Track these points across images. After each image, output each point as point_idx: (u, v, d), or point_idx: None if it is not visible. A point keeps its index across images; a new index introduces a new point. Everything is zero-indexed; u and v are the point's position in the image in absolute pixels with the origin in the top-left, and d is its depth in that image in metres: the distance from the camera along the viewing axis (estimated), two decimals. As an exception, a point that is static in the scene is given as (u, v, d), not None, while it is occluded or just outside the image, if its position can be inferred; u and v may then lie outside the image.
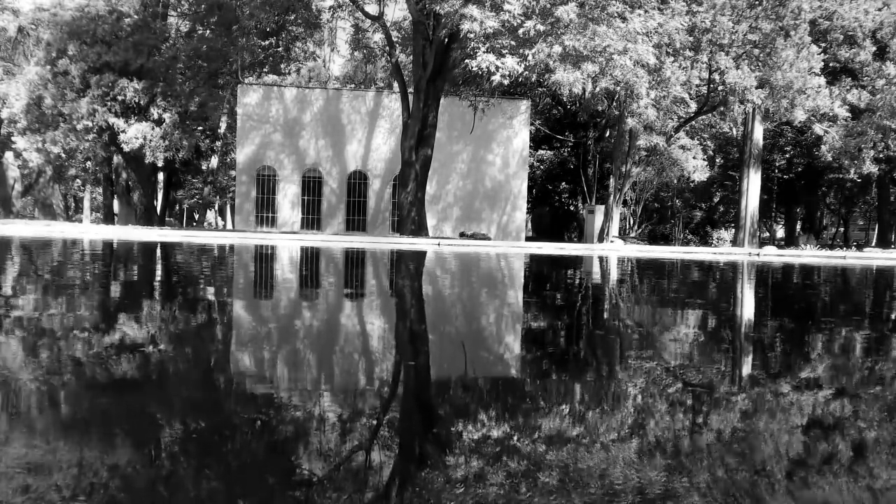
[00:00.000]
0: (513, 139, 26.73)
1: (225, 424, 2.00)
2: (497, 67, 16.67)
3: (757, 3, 21.99)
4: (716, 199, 39.28)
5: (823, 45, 25.70)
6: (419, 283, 7.19)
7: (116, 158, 29.23)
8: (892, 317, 5.68)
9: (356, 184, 26.34)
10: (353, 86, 35.21)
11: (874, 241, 35.31)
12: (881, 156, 26.74)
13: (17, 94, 26.66)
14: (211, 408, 2.18)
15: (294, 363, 2.85)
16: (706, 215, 39.78)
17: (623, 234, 28.17)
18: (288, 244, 15.83)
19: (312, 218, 26.16)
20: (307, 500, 1.49)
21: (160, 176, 34.79)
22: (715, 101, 23.88)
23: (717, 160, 35.22)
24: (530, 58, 16.64)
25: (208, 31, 26.18)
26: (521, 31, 16.56)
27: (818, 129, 26.15)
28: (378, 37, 24.93)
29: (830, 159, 26.96)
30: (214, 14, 25.08)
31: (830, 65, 26.21)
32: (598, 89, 18.19)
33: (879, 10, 26.34)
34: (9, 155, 34.87)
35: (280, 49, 27.58)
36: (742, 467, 1.72)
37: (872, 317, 5.52)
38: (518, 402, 2.37)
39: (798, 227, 39.45)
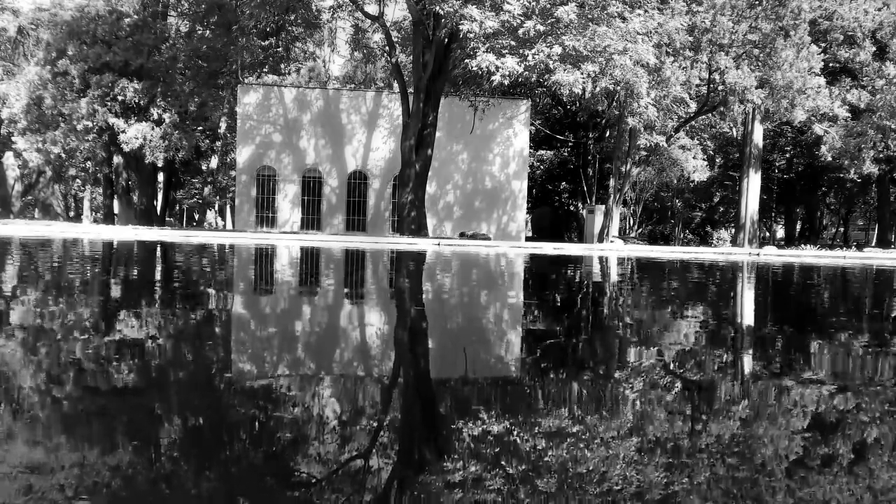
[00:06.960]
0: (513, 139, 26.72)
1: (227, 422, 2.00)
2: (497, 67, 16.66)
3: (757, 3, 21.99)
4: (716, 200, 39.24)
5: (823, 45, 25.68)
6: (418, 283, 7.19)
7: (116, 158, 29.24)
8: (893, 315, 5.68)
9: (356, 184, 26.33)
10: (352, 86, 35.19)
11: (874, 241, 35.29)
12: (881, 156, 26.70)
13: (17, 94, 26.68)
14: (217, 405, 2.18)
15: (294, 362, 2.84)
16: (706, 215, 39.75)
17: (623, 235, 28.18)
18: (288, 244, 15.83)
19: (312, 218, 26.15)
20: (313, 495, 1.49)
21: (160, 176, 34.80)
22: (715, 101, 23.87)
23: (717, 160, 35.19)
24: (530, 58, 16.63)
25: (208, 31, 26.20)
26: (520, 31, 16.56)
27: (818, 129, 26.13)
28: (378, 37, 24.94)
29: (830, 159, 26.93)
30: (214, 14, 25.09)
31: (830, 65, 26.19)
32: (598, 89, 18.18)
33: (879, 10, 26.30)
34: (9, 155, 34.88)
35: (280, 49, 27.59)
36: (743, 466, 1.72)
37: (872, 316, 5.52)
38: (527, 397, 2.37)
39: (798, 228, 39.41)
